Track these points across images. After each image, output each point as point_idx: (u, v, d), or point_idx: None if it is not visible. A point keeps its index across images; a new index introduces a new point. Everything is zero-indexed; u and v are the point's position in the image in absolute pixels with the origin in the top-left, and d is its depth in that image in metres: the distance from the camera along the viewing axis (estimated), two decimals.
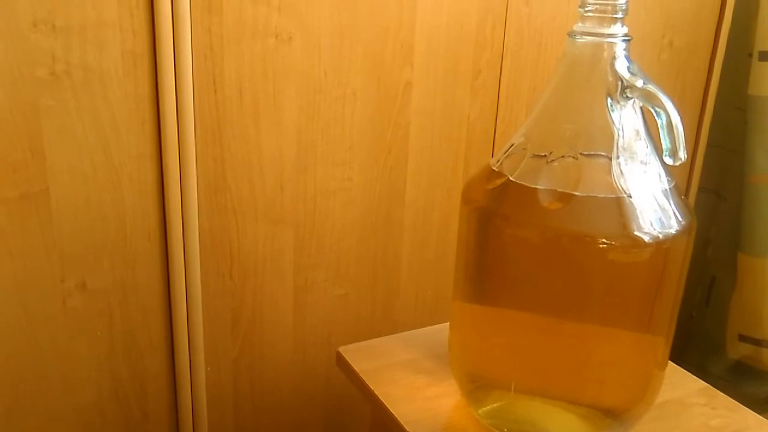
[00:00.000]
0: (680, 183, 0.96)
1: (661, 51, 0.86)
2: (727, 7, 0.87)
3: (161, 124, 0.61)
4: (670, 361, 0.61)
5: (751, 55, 0.88)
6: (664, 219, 0.47)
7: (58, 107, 0.56)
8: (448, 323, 0.55)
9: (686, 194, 0.96)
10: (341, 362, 0.60)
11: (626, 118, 0.47)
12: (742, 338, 0.97)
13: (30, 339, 0.61)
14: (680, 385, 0.58)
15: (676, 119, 0.45)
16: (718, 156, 0.97)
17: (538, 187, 0.47)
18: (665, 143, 0.46)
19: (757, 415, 0.55)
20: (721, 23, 0.87)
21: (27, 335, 0.61)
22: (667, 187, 0.48)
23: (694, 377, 0.60)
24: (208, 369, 0.71)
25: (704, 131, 0.93)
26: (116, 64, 0.57)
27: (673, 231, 0.47)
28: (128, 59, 0.58)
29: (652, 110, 0.46)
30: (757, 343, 0.95)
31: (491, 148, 0.78)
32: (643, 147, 0.48)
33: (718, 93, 0.92)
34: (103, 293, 0.64)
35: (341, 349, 0.61)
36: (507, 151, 0.50)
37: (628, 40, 0.47)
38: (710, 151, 0.96)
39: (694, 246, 1.10)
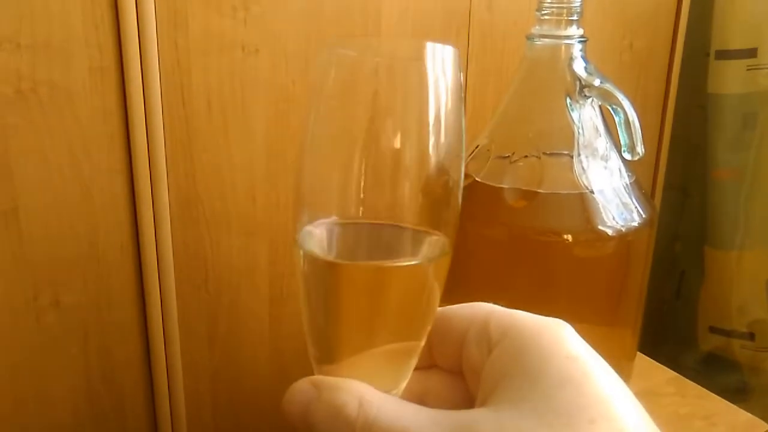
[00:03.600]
0: (646, 181, 0.98)
1: (622, 52, 0.88)
2: (683, 9, 0.90)
3: (131, 138, 0.61)
4: (640, 353, 0.62)
5: (708, 54, 0.91)
6: (626, 213, 0.48)
7: (25, 125, 0.56)
8: None
9: (653, 192, 0.98)
10: None
11: (585, 116, 0.49)
12: (713, 330, 0.99)
13: (3, 358, 0.61)
14: (651, 375, 0.60)
15: (632, 116, 0.46)
16: (683, 153, 1.00)
17: (503, 186, 0.48)
18: (623, 139, 0.47)
19: (725, 401, 0.57)
20: (678, 24, 0.90)
21: (0, 354, 0.61)
22: (628, 182, 0.50)
23: (664, 368, 0.61)
24: (186, 382, 0.71)
25: (667, 129, 0.95)
26: (83, 79, 0.57)
27: (635, 224, 0.48)
28: (95, 75, 0.58)
29: (609, 108, 0.48)
30: (727, 334, 0.98)
31: None
32: (603, 144, 0.49)
33: (678, 92, 0.94)
34: (77, 309, 0.63)
35: None
36: (472, 153, 0.51)
37: (585, 41, 0.49)
38: (674, 149, 0.98)
39: (663, 241, 1.12)
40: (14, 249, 0.59)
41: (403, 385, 0.27)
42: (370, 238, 0.26)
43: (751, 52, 0.87)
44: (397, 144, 0.24)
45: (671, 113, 0.95)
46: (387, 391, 0.25)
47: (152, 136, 0.62)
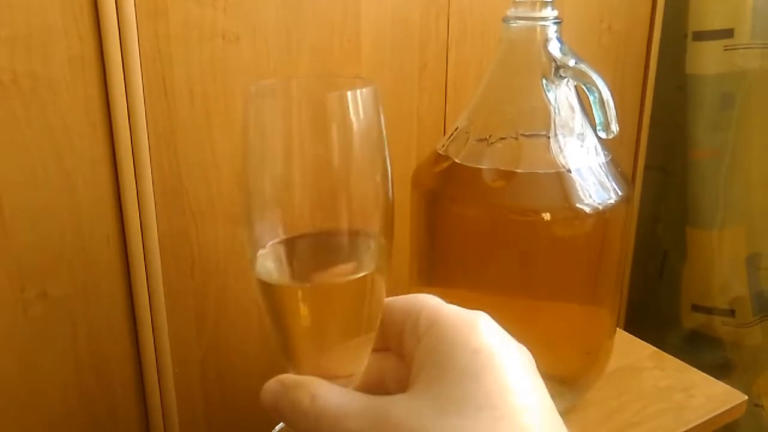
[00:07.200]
0: (627, 162, 0.99)
1: (601, 35, 0.89)
2: None
3: (113, 128, 0.61)
4: (621, 330, 0.64)
5: (686, 35, 0.92)
6: (602, 191, 0.49)
7: (6, 117, 0.56)
8: None
9: (634, 173, 0.99)
10: None
11: (561, 96, 0.50)
12: (695, 308, 1.01)
13: None
14: (631, 351, 0.61)
15: (606, 95, 0.47)
16: (663, 134, 1.01)
17: (482, 167, 0.49)
18: (598, 118, 0.48)
19: (704, 374, 0.58)
20: (656, 6, 0.91)
21: None
22: (604, 161, 0.51)
23: (644, 343, 0.63)
24: (176, 371, 0.72)
25: (647, 111, 0.96)
26: (64, 70, 0.58)
27: (612, 201, 0.49)
28: (76, 65, 0.58)
29: (584, 87, 0.48)
30: (709, 311, 0.99)
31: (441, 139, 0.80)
32: (579, 123, 0.50)
33: (657, 73, 0.95)
34: (64, 301, 0.64)
35: None
36: (451, 135, 0.52)
37: (559, 23, 0.50)
38: (655, 130, 0.99)
39: (646, 222, 1.13)
40: None
41: (363, 366, 0.30)
42: (318, 252, 0.29)
43: (728, 33, 0.88)
44: (330, 164, 0.28)
45: (651, 95, 0.96)
46: (351, 374, 0.30)
47: (135, 125, 0.62)
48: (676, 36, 0.94)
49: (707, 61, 0.90)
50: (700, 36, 0.89)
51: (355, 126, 0.28)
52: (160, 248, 0.67)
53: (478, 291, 0.51)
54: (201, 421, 0.75)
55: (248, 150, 0.29)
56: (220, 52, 0.64)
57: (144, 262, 0.66)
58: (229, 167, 0.68)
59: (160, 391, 0.71)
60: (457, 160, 0.50)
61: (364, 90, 0.28)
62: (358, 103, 0.28)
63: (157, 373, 0.70)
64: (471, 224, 0.49)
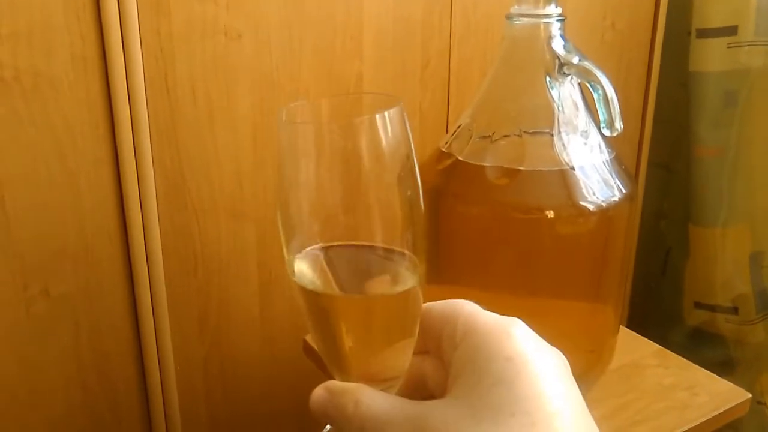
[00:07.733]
0: (630, 159, 0.99)
1: (604, 32, 0.89)
2: None
3: (115, 127, 0.61)
4: (625, 327, 0.63)
5: (689, 33, 0.91)
6: (606, 188, 0.49)
7: (8, 114, 0.56)
8: None
9: (637, 170, 0.99)
10: (308, 350, 0.61)
11: (565, 94, 0.49)
12: (698, 305, 1.01)
13: None
14: (635, 349, 0.61)
15: (611, 92, 0.47)
16: (666, 131, 1.01)
17: (485, 164, 0.49)
18: (602, 115, 0.48)
19: (707, 371, 0.58)
20: (659, 3, 0.90)
21: None
22: (608, 158, 0.50)
23: (648, 341, 0.62)
24: (178, 369, 0.72)
25: (650, 108, 0.96)
26: (66, 68, 0.58)
27: (615, 199, 0.49)
28: (78, 63, 0.58)
29: (588, 85, 0.48)
30: (712, 309, 0.99)
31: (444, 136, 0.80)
32: (582, 121, 0.50)
33: (661, 71, 0.95)
34: (67, 299, 0.64)
35: (308, 337, 0.62)
36: (455, 132, 0.52)
37: (563, 20, 0.49)
38: (658, 127, 0.99)
39: (649, 220, 1.13)
40: (2, 239, 0.59)
41: (405, 370, 0.32)
42: (357, 265, 0.31)
43: (732, 30, 0.88)
44: (363, 184, 0.30)
45: (654, 92, 0.95)
46: (393, 378, 0.32)
47: (137, 124, 0.62)
48: (680, 33, 0.93)
49: (711, 58, 0.90)
50: (704, 33, 0.89)
51: (385, 146, 0.29)
52: (162, 246, 0.66)
53: (482, 288, 0.51)
54: (203, 418, 0.75)
55: (282, 173, 0.31)
56: (223, 50, 0.64)
57: (146, 260, 0.66)
58: (231, 164, 0.68)
59: (162, 389, 0.71)
60: (460, 158, 0.50)
61: (391, 111, 0.29)
62: (386, 124, 0.29)
63: (159, 370, 0.70)
64: (474, 222, 0.49)
